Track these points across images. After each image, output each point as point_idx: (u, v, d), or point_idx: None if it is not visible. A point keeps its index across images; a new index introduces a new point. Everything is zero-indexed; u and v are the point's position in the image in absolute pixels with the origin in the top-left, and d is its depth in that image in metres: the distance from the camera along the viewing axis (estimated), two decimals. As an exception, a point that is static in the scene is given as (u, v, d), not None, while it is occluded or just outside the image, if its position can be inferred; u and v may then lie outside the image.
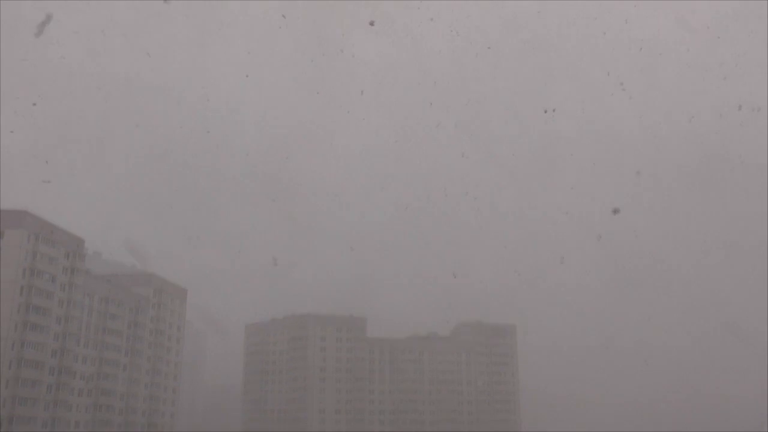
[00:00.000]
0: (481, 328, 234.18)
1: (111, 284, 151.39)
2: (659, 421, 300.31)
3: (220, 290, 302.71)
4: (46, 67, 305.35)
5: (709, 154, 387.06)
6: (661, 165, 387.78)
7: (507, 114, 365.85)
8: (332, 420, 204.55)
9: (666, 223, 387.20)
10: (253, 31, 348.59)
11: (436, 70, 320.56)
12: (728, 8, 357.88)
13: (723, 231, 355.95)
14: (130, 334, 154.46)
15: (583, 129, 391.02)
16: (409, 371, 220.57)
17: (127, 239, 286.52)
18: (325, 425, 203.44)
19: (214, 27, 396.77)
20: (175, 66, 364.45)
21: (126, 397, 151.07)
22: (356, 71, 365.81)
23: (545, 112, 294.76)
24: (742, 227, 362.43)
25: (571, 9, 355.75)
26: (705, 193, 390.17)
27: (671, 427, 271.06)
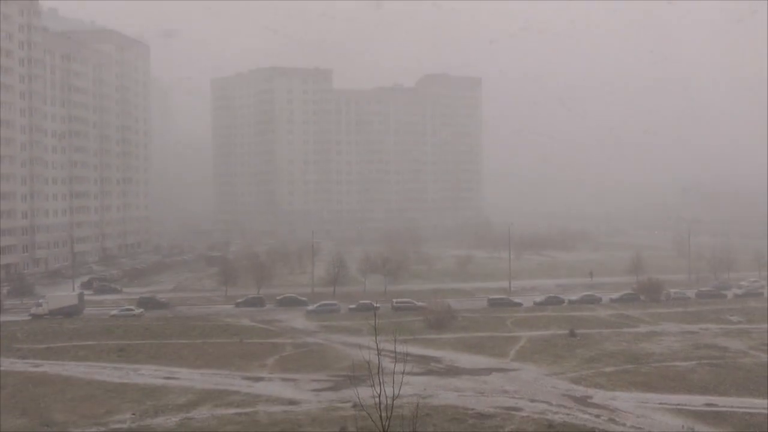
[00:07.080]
0: (447, 80, 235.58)
1: (72, 41, 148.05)
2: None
3: (183, 45, 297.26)
4: None
5: None
6: None
7: None
8: (300, 171, 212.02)
9: None
10: None
11: None
12: None
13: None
14: (96, 91, 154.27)
15: None
16: (374, 123, 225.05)
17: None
18: (293, 176, 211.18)
19: None
20: None
21: (99, 154, 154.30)
22: None
23: None
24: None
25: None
26: None
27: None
